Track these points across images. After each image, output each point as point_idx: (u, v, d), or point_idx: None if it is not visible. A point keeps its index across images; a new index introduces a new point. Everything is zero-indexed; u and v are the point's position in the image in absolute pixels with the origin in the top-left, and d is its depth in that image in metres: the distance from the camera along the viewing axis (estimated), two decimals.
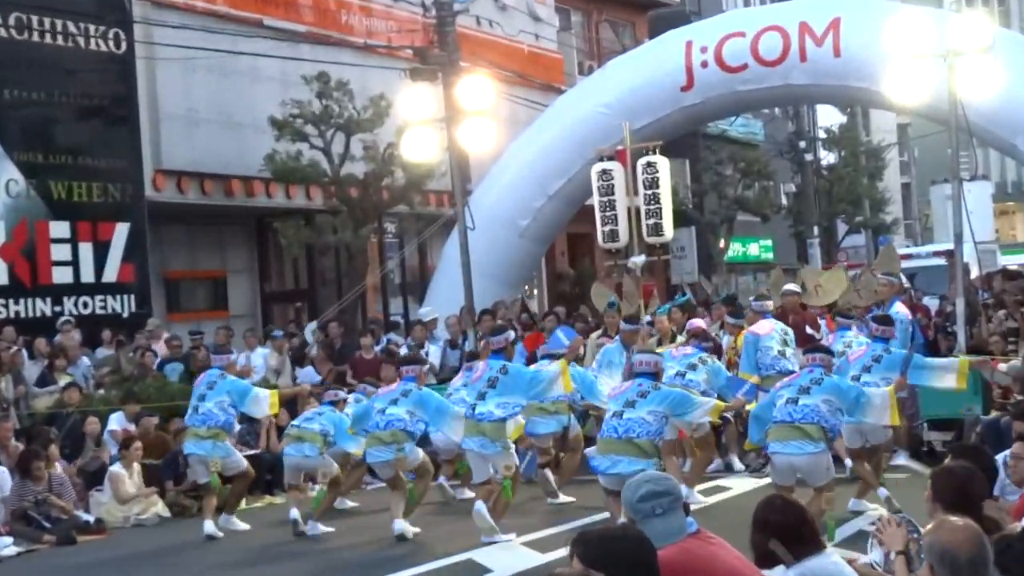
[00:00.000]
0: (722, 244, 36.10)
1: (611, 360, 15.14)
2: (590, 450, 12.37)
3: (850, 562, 5.94)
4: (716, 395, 13.27)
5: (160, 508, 15.61)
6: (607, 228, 17.69)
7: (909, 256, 30.56)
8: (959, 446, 8.80)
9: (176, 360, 19.12)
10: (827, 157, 44.55)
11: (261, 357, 19.50)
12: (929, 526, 5.05)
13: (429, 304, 22.12)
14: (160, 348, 19.53)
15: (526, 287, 27.80)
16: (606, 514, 11.45)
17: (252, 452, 16.56)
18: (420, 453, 13.33)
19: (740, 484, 14.54)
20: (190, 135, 22.78)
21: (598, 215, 17.73)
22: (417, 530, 12.99)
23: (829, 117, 45.02)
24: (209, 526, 13.86)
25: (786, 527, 5.58)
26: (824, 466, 11.13)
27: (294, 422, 14.42)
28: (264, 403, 14.24)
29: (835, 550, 5.64)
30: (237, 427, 14.98)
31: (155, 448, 16.39)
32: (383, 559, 11.94)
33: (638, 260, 17.43)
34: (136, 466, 15.73)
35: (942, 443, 15.06)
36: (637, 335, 15.28)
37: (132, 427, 16.69)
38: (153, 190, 22.10)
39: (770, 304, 16.02)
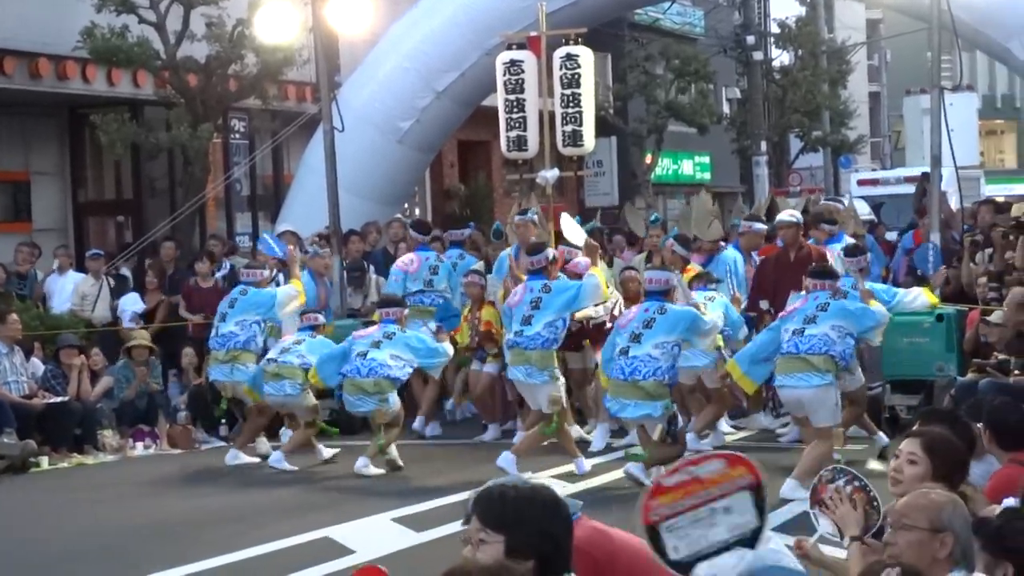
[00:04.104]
0: (648, 160, 36.28)
1: (502, 265, 16.28)
2: None
3: (798, 545, 6.04)
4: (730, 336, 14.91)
5: None
6: (513, 134, 17.60)
7: (875, 182, 30.98)
8: (931, 411, 8.96)
9: None
10: (780, 57, 44.90)
11: (73, 282, 19.32)
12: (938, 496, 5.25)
13: (285, 222, 22.02)
14: None
15: (405, 205, 27.78)
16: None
17: (58, 399, 16.48)
18: (398, 404, 14.59)
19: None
20: None
21: (502, 117, 17.65)
22: (381, 472, 14.27)
23: (784, 8, 45.36)
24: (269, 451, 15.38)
25: None
26: (831, 402, 12.51)
27: (270, 355, 15.27)
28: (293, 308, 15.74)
29: (775, 535, 5.74)
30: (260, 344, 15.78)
31: None
32: (237, 531, 11.97)
33: (549, 175, 17.36)
34: None
35: (907, 408, 15.39)
36: (528, 228, 16.05)
37: None
38: None
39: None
